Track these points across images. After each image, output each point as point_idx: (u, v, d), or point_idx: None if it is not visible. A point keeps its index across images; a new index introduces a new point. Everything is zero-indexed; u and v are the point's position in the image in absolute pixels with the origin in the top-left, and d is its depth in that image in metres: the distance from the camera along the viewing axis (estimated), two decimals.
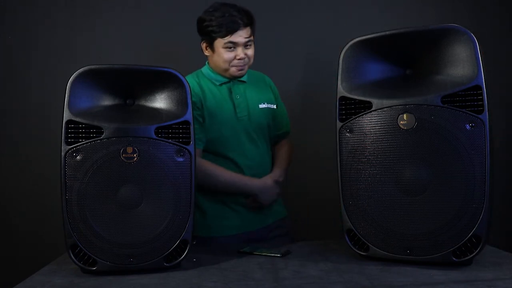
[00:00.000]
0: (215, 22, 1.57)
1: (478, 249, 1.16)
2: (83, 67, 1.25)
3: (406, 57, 1.29)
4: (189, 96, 1.28)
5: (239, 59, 1.60)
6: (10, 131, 2.27)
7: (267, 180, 1.68)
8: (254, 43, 1.65)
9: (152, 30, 2.34)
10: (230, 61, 1.60)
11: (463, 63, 1.19)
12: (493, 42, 2.38)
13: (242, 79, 1.71)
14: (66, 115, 1.22)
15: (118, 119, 1.25)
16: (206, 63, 1.74)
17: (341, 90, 1.31)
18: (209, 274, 1.21)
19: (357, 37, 1.31)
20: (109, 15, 2.33)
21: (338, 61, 1.32)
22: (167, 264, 1.25)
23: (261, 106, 1.72)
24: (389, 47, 1.29)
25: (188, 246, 1.26)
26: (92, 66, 1.26)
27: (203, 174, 1.54)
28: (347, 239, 1.32)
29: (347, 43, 1.32)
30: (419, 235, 1.21)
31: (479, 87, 1.15)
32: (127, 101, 1.33)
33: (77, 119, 1.22)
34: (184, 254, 1.26)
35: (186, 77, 1.66)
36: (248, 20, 1.59)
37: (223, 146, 1.65)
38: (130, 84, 1.30)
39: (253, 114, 1.69)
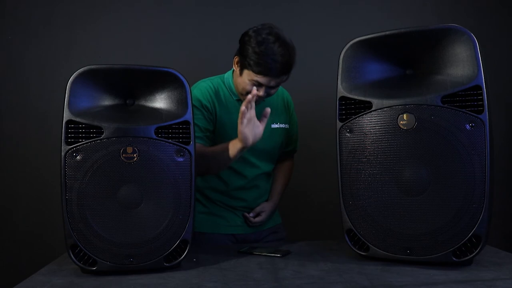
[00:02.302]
0: (255, 56, 1.48)
1: (478, 249, 1.16)
2: (83, 67, 1.25)
3: (406, 57, 1.29)
4: (189, 96, 1.28)
5: (258, 96, 1.53)
6: (10, 131, 2.27)
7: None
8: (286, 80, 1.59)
9: (152, 30, 2.34)
10: (249, 92, 1.50)
11: (463, 63, 1.19)
12: (493, 42, 2.38)
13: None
14: (66, 115, 1.22)
15: (118, 119, 1.25)
16: (232, 71, 1.67)
17: (341, 90, 1.31)
18: (209, 274, 1.21)
19: (357, 37, 1.31)
20: (109, 15, 2.33)
21: (338, 61, 1.32)
22: (167, 264, 1.25)
23: (274, 126, 1.69)
24: (389, 47, 1.29)
25: (188, 246, 1.26)
26: (92, 66, 1.26)
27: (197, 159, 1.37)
28: (347, 239, 1.32)
29: (347, 43, 1.32)
30: (419, 235, 1.21)
31: (479, 87, 1.16)
32: (127, 101, 1.33)
33: (77, 119, 1.22)
34: (184, 254, 1.26)
35: (205, 80, 1.64)
36: (285, 71, 1.52)
37: None
38: (130, 84, 1.30)
39: (264, 133, 1.59)
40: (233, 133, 1.55)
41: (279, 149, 1.75)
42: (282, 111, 1.74)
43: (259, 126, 1.43)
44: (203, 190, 1.70)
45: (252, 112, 1.39)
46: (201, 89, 1.60)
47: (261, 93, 1.53)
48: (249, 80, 1.53)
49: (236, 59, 1.59)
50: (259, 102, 1.60)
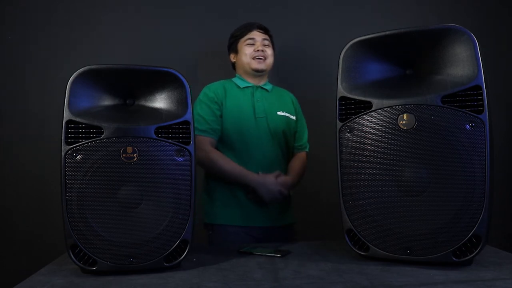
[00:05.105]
0: (237, 30, 1.89)
1: (478, 249, 1.16)
2: (83, 67, 1.25)
3: (406, 57, 1.29)
4: (189, 96, 1.28)
5: (257, 50, 1.82)
6: (10, 131, 2.27)
7: (267, 176, 1.73)
8: (273, 50, 1.90)
9: (152, 30, 2.34)
10: (251, 53, 1.83)
11: (463, 63, 1.19)
12: (493, 42, 2.38)
13: (265, 87, 1.89)
14: (66, 115, 1.22)
15: (118, 119, 1.25)
16: (236, 74, 1.95)
17: (341, 90, 1.31)
18: (209, 274, 1.21)
19: (357, 37, 1.31)
20: (109, 15, 2.33)
21: (338, 61, 1.32)
22: (167, 264, 1.25)
23: (279, 113, 1.85)
24: (389, 47, 1.29)
25: (188, 246, 1.26)
26: (92, 66, 1.26)
27: (209, 161, 1.73)
28: (347, 239, 1.32)
29: (347, 43, 1.32)
30: (419, 235, 1.21)
31: (479, 87, 1.15)
32: (127, 101, 1.33)
33: (77, 119, 1.22)
34: (184, 254, 1.26)
35: (215, 83, 1.88)
36: (263, 26, 1.87)
37: (240, 141, 1.78)
38: (130, 84, 1.30)
39: (270, 118, 1.82)
40: (241, 114, 1.79)
41: (284, 136, 1.85)
42: (286, 103, 1.92)
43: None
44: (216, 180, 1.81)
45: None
46: (210, 86, 1.84)
47: (259, 46, 1.83)
48: (245, 45, 1.84)
49: (231, 55, 1.93)
50: (261, 64, 1.84)
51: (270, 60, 1.87)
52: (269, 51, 1.86)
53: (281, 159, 1.86)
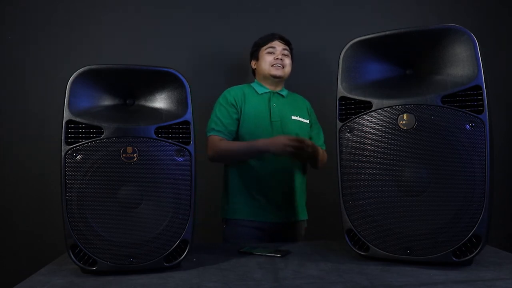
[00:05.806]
0: (260, 39, 2.00)
1: (478, 249, 1.16)
2: (83, 67, 1.25)
3: (406, 57, 1.29)
4: (189, 96, 1.28)
5: (276, 59, 1.93)
6: (10, 131, 2.27)
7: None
8: (292, 61, 2.00)
9: (152, 30, 2.34)
10: (270, 61, 1.94)
11: (463, 63, 1.19)
12: (493, 42, 2.38)
13: (281, 93, 1.99)
14: (66, 115, 1.22)
15: (118, 119, 1.25)
16: (255, 80, 2.04)
17: (341, 90, 1.31)
18: (209, 274, 1.21)
19: (357, 37, 1.31)
20: (109, 15, 2.33)
21: (338, 61, 1.32)
22: (167, 264, 1.25)
23: (293, 117, 1.94)
24: (389, 47, 1.29)
25: (188, 246, 1.26)
26: (92, 66, 1.26)
27: (219, 150, 1.82)
28: (347, 239, 1.32)
29: (347, 43, 1.32)
30: (419, 235, 1.21)
31: (479, 87, 1.16)
32: (127, 101, 1.33)
33: (77, 119, 1.22)
34: (184, 254, 1.26)
35: (236, 87, 1.97)
36: (285, 38, 1.99)
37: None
38: (130, 84, 1.30)
39: (285, 122, 1.91)
40: (258, 117, 1.88)
41: None
42: (300, 109, 2.00)
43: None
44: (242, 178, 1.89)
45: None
46: (230, 90, 1.94)
47: (279, 55, 1.94)
48: (266, 53, 1.95)
49: (252, 61, 2.03)
50: (279, 71, 1.93)
51: (288, 69, 1.97)
52: (287, 61, 1.97)
53: (294, 162, 1.91)
